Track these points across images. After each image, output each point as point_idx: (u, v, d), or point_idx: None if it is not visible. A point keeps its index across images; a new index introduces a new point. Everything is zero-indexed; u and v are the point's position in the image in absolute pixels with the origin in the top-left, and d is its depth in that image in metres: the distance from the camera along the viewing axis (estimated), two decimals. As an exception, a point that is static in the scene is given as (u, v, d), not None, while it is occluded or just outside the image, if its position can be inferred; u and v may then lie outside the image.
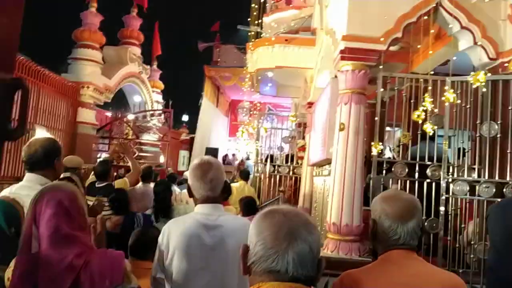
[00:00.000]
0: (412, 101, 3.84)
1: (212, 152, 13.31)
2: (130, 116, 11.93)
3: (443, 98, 3.44)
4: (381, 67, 3.74)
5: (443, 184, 3.63)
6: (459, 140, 3.74)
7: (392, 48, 3.94)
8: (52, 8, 26.34)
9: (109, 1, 11.44)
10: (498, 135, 3.50)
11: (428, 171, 3.69)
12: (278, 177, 7.30)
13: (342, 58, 3.66)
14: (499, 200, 3.41)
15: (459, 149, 3.77)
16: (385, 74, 3.82)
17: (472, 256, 3.50)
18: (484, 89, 3.51)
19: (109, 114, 13.28)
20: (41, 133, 7.12)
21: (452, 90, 3.47)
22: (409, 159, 3.79)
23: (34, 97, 7.76)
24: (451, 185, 3.61)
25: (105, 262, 1.52)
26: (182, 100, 19.84)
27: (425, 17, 3.62)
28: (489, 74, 3.50)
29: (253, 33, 8.11)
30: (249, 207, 4.44)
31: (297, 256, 0.97)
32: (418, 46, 4.14)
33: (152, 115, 12.68)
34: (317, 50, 5.82)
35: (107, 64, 11.20)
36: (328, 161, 4.31)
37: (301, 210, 1.13)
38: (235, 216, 2.44)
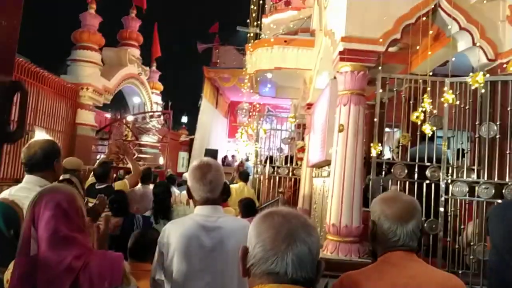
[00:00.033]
0: (411, 102, 3.84)
1: (212, 153, 13.31)
2: (130, 118, 11.92)
3: (442, 99, 3.44)
4: (380, 68, 3.75)
5: (442, 185, 3.63)
6: (458, 141, 3.74)
7: (391, 49, 3.94)
8: (51, 10, 26.36)
9: (108, 2, 11.44)
10: (497, 136, 3.50)
11: (428, 172, 3.69)
12: (277, 178, 7.29)
13: (341, 59, 3.66)
14: (498, 201, 3.42)
15: (458, 150, 3.78)
16: (384, 75, 3.82)
17: (471, 257, 3.50)
18: (483, 90, 3.51)
19: (108, 115, 13.28)
20: (40, 134, 7.13)
21: (451, 91, 3.47)
22: (408, 160, 3.80)
23: (33, 98, 7.77)
24: (450, 186, 3.62)
25: (104, 263, 1.52)
26: (182, 101, 19.86)
27: (424, 18, 3.63)
28: (487, 75, 3.50)
29: (252, 34, 8.11)
30: (248, 208, 4.44)
31: (296, 258, 0.97)
32: (417, 47, 4.14)
33: (151, 116, 12.68)
34: (316, 51, 5.82)
35: (106, 66, 11.21)
36: (327, 162, 4.30)
37: (300, 212, 1.13)
38: (235, 218, 2.44)
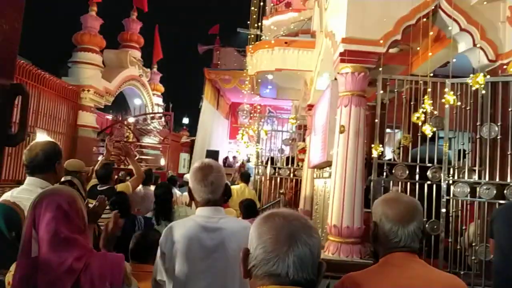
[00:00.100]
0: (412, 103, 3.85)
1: (213, 154, 13.32)
2: (131, 119, 11.95)
3: (443, 100, 3.44)
4: (380, 69, 3.75)
5: (443, 186, 3.63)
6: (459, 142, 3.74)
7: (391, 51, 3.95)
8: (53, 12, 26.42)
9: (109, 4, 11.47)
10: (499, 137, 3.50)
11: (429, 173, 3.70)
12: (278, 179, 7.30)
13: (342, 61, 3.66)
14: (500, 201, 3.42)
15: (459, 150, 3.78)
16: (385, 76, 3.82)
17: (473, 258, 3.50)
18: (484, 91, 3.51)
19: (109, 117, 13.29)
20: (41, 136, 7.13)
21: (452, 92, 3.47)
22: (409, 161, 3.80)
23: (34, 100, 7.78)
24: (451, 187, 3.62)
25: (105, 264, 1.52)
26: (183, 103, 19.89)
27: (424, 19, 3.63)
28: (488, 76, 3.50)
29: (252, 36, 8.12)
30: (249, 209, 4.44)
31: (297, 260, 0.97)
32: (418, 48, 4.14)
33: (152, 118, 12.70)
34: (316, 53, 5.83)
35: (108, 68, 11.23)
36: (328, 163, 4.31)
37: (302, 213, 1.13)
38: (236, 219, 2.44)
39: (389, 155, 5.31)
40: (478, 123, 3.62)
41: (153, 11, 15.07)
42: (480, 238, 3.50)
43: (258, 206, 5.73)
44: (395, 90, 3.82)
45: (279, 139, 8.00)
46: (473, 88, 3.42)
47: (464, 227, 3.67)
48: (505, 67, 3.59)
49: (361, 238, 3.57)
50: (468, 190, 3.56)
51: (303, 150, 6.94)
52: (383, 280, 1.41)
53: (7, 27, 0.99)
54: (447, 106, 3.57)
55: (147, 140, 12.31)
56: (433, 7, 3.64)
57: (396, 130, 4.47)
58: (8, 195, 2.10)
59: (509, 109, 3.47)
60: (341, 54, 3.66)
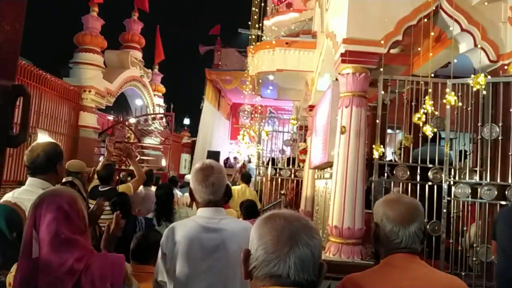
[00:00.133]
0: (413, 103, 3.84)
1: (214, 155, 13.33)
2: (132, 120, 11.95)
3: (444, 101, 3.44)
4: (381, 69, 3.75)
5: (444, 186, 3.63)
6: (460, 143, 3.74)
7: (392, 51, 3.95)
8: (54, 13, 26.48)
9: (110, 5, 11.49)
10: (500, 137, 3.50)
11: (430, 174, 3.69)
12: (279, 180, 7.30)
13: (343, 61, 3.66)
14: (501, 202, 3.41)
15: (460, 151, 3.77)
16: (386, 77, 3.82)
17: (474, 259, 3.49)
18: (485, 92, 3.51)
19: (111, 118, 13.30)
20: (43, 137, 7.15)
21: (453, 93, 3.47)
22: (411, 161, 3.79)
23: (36, 101, 7.79)
24: (453, 188, 3.61)
25: (105, 265, 1.53)
26: (184, 103, 19.92)
27: (425, 20, 3.63)
28: (489, 77, 3.50)
29: (254, 36, 8.13)
30: (249, 210, 4.44)
31: (298, 261, 0.97)
32: (419, 49, 4.14)
33: (153, 118, 12.69)
34: (317, 53, 5.83)
35: (109, 68, 11.24)
36: (329, 164, 4.30)
37: (302, 214, 1.13)
38: (237, 220, 2.44)
39: (389, 155, 5.31)
40: (479, 124, 3.62)
41: (154, 12, 15.09)
42: (481, 239, 3.50)
43: (259, 207, 5.72)
44: (396, 90, 3.82)
45: (280, 140, 8.01)
46: (474, 89, 3.41)
47: (465, 228, 3.66)
48: (506, 67, 3.59)
49: (362, 239, 3.57)
50: (469, 191, 3.56)
51: (304, 151, 6.94)
52: (384, 281, 1.41)
53: (8, 28, 0.99)
54: (448, 106, 3.57)
55: (148, 141, 12.31)
56: (434, 8, 3.64)
57: (397, 131, 4.46)
58: (9, 196, 2.11)
59: (510, 110, 3.46)
60: (342, 54, 3.66)
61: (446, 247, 3.56)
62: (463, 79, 3.59)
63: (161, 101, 16.08)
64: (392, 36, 3.62)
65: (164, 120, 12.77)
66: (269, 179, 7.36)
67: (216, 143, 16.50)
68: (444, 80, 3.74)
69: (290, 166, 7.32)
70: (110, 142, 4.65)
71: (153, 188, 5.04)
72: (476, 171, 3.62)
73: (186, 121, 21.57)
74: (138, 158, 10.28)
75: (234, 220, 2.07)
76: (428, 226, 3.52)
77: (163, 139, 12.39)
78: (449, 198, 3.61)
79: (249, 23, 8.45)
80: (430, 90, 3.60)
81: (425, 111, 3.39)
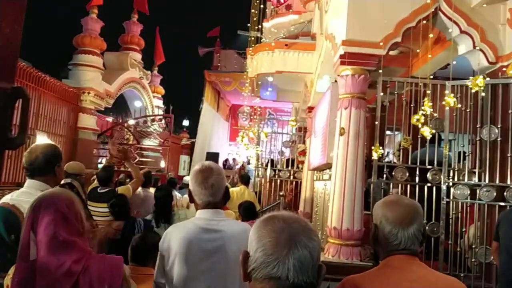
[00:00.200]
0: (412, 105, 3.85)
1: (213, 156, 13.33)
2: (131, 122, 11.94)
3: (443, 102, 3.44)
4: (380, 71, 3.75)
5: (443, 188, 3.63)
6: (459, 144, 3.75)
7: (391, 53, 3.95)
8: (53, 14, 26.48)
9: (110, 7, 11.49)
10: (499, 139, 3.51)
11: (429, 175, 3.70)
12: (278, 181, 7.29)
13: (342, 63, 3.67)
14: (500, 204, 3.42)
15: (459, 152, 3.78)
16: (385, 79, 3.83)
17: (473, 260, 3.50)
18: (484, 93, 3.52)
19: (110, 119, 13.30)
20: (42, 139, 7.14)
21: (452, 94, 3.48)
22: (410, 163, 3.80)
23: (35, 103, 7.78)
24: (451, 189, 3.62)
25: (103, 267, 1.52)
26: (183, 105, 19.91)
27: (425, 22, 3.64)
28: (488, 78, 3.51)
29: (253, 38, 8.14)
30: (248, 211, 4.44)
31: (297, 263, 0.97)
32: (418, 51, 4.15)
33: (152, 120, 12.70)
34: (317, 55, 5.84)
35: (108, 70, 11.23)
36: (328, 166, 4.31)
37: (301, 216, 1.13)
38: (236, 221, 2.44)
39: (388, 156, 5.31)
40: (478, 125, 3.62)
41: (154, 13, 15.09)
42: (480, 240, 3.50)
43: (258, 208, 5.72)
44: (395, 92, 3.83)
45: (279, 141, 8.00)
46: (473, 90, 3.42)
47: (464, 229, 3.67)
48: (504, 69, 3.60)
49: (361, 240, 3.57)
50: (468, 192, 3.56)
51: (303, 152, 6.94)
52: (383, 282, 1.41)
53: (8, 30, 0.99)
54: (447, 108, 3.57)
55: (147, 142, 12.31)
56: (433, 10, 3.65)
57: (396, 132, 4.47)
58: (7, 198, 2.10)
59: (509, 111, 3.47)
60: (341, 56, 3.66)
61: (445, 248, 3.56)
62: (462, 80, 3.59)
63: (160, 103, 16.09)
64: (391, 37, 3.63)
65: (163, 121, 12.78)
66: (268, 180, 7.36)
67: (215, 145, 16.51)
68: (443, 82, 3.75)
69: (289, 168, 7.32)
70: (114, 146, 4.65)
71: (152, 190, 5.03)
72: (475, 172, 3.63)
73: (185, 122, 21.58)
74: (137, 160, 10.28)
75: (233, 222, 2.07)
76: (427, 227, 3.52)
77: (162, 140, 12.39)
78: (448, 199, 3.62)
79: (249, 25, 8.46)
80: (428, 92, 3.61)
81: (424, 112, 3.39)
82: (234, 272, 1.75)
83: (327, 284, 2.98)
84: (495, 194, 3.45)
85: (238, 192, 6.32)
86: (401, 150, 3.89)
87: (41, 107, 8.06)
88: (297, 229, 1.01)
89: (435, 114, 3.66)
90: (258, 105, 10.96)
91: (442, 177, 3.65)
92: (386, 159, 4.40)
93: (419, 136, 3.71)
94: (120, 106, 13.57)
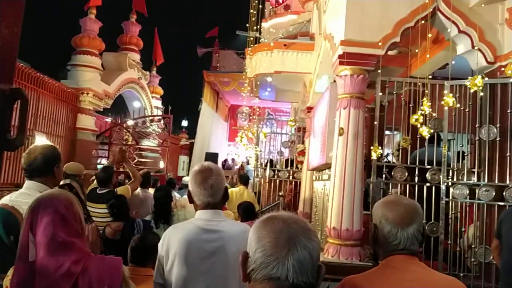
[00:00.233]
0: (411, 105, 3.85)
1: (212, 157, 13.32)
2: (130, 122, 11.94)
3: (442, 102, 3.45)
4: (379, 71, 3.76)
5: (443, 188, 3.64)
6: (458, 144, 3.75)
7: (390, 53, 3.96)
8: (52, 15, 26.45)
9: (108, 7, 11.48)
10: (497, 139, 3.51)
11: (428, 175, 3.70)
12: (278, 181, 7.29)
13: (341, 63, 3.67)
14: (499, 203, 3.42)
15: (458, 152, 3.78)
16: (384, 79, 3.83)
17: (473, 259, 3.50)
18: (482, 93, 3.52)
19: (108, 120, 13.29)
20: (40, 139, 7.13)
21: (451, 94, 3.48)
22: (409, 163, 3.80)
23: (33, 104, 7.77)
24: (451, 189, 3.62)
25: (103, 268, 1.52)
26: (182, 105, 19.91)
27: (423, 22, 3.64)
28: (486, 78, 3.51)
29: (251, 38, 8.13)
30: (247, 212, 4.44)
31: (297, 263, 0.97)
32: (416, 51, 4.15)
33: (151, 120, 12.69)
34: (315, 55, 5.84)
35: (107, 70, 11.22)
36: (327, 166, 4.31)
37: (301, 216, 1.13)
38: (235, 222, 2.44)
39: (388, 157, 5.31)
40: (477, 125, 3.63)
41: (152, 13, 15.09)
42: (479, 240, 3.51)
43: (257, 209, 5.72)
44: (394, 92, 3.83)
45: (278, 142, 8.00)
46: (472, 90, 3.43)
47: (463, 229, 3.67)
48: (503, 69, 3.60)
49: (361, 240, 3.57)
50: (467, 192, 3.56)
51: (302, 152, 6.94)
52: (383, 282, 1.41)
53: (7, 32, 0.99)
54: (446, 108, 3.58)
55: (146, 143, 12.30)
56: (431, 9, 3.65)
57: (395, 132, 4.47)
58: (6, 199, 2.10)
59: (508, 111, 3.48)
60: (340, 56, 3.66)
61: (445, 248, 3.56)
62: (461, 80, 3.60)
63: (159, 103, 16.08)
64: (390, 37, 3.63)
65: (162, 122, 12.77)
66: (267, 180, 7.35)
67: (214, 145, 16.50)
68: (442, 82, 3.75)
69: (288, 168, 7.32)
70: (120, 154, 4.67)
71: (151, 190, 5.03)
72: (474, 172, 3.63)
73: (184, 123, 21.59)
74: (136, 160, 10.28)
75: (232, 222, 2.07)
76: (426, 227, 3.52)
77: (161, 141, 12.38)
78: (447, 199, 3.62)
79: (247, 25, 8.44)
80: (426, 91, 3.61)
81: (423, 112, 3.40)
82: (234, 273, 1.75)
83: (326, 284, 2.98)
84: (494, 193, 3.45)
85: (237, 193, 6.33)
86: (400, 150, 3.89)
87: (40, 108, 8.04)
88: (296, 230, 1.01)
89: (434, 114, 3.66)
90: (257, 105, 10.96)
91: (441, 177, 3.65)
92: (385, 159, 4.40)
93: (418, 136, 3.71)
94: (119, 106, 13.56)
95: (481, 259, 3.45)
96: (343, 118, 3.66)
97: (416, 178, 3.73)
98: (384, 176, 3.76)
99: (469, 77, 3.36)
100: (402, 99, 3.87)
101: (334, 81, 4.11)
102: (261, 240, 1.01)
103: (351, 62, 3.64)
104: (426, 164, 3.74)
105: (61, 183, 2.60)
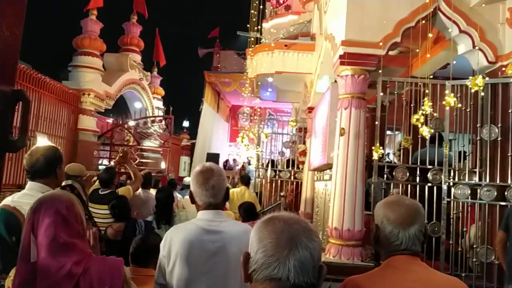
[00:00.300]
0: (412, 105, 3.85)
1: (213, 157, 13.33)
2: (131, 123, 11.94)
3: (443, 102, 3.44)
4: (380, 71, 3.75)
5: (444, 188, 3.63)
6: (459, 144, 3.75)
7: (391, 53, 3.95)
8: (53, 16, 26.49)
9: (109, 8, 11.49)
10: (499, 138, 3.51)
11: (429, 175, 3.70)
12: (279, 182, 7.29)
13: (342, 63, 3.67)
14: (501, 203, 3.42)
15: (459, 152, 3.78)
16: (385, 79, 3.83)
17: (474, 259, 3.49)
18: (483, 93, 3.52)
19: (110, 120, 13.30)
20: (42, 141, 7.14)
21: (452, 94, 3.48)
22: (410, 163, 3.79)
23: (35, 105, 7.78)
24: (452, 189, 3.62)
25: (104, 269, 1.52)
26: (183, 106, 19.93)
27: (424, 22, 3.64)
28: (487, 78, 3.51)
29: (252, 39, 8.14)
30: (248, 212, 4.44)
31: (298, 263, 0.97)
32: (417, 50, 4.15)
33: (153, 121, 12.69)
34: (316, 55, 5.84)
35: (108, 71, 11.23)
36: (329, 166, 4.31)
37: (302, 216, 1.13)
38: (237, 222, 2.44)
39: (389, 156, 5.31)
40: (478, 125, 3.62)
41: (153, 14, 15.11)
42: (481, 240, 3.50)
43: (258, 209, 5.72)
44: (395, 92, 3.83)
45: (279, 142, 8.00)
46: (473, 90, 3.42)
47: (465, 229, 3.66)
48: (504, 68, 3.60)
49: (362, 240, 3.57)
50: (469, 192, 3.56)
51: (303, 153, 6.94)
52: (385, 283, 1.41)
53: (8, 33, 0.99)
54: (447, 108, 3.57)
55: (148, 144, 12.31)
56: (432, 9, 3.65)
57: (397, 132, 4.47)
58: (8, 200, 2.11)
59: (509, 111, 3.47)
60: (340, 56, 3.66)
61: (446, 248, 3.56)
62: (462, 80, 3.59)
63: (160, 104, 16.09)
64: (391, 38, 3.63)
65: (163, 122, 12.77)
66: (268, 181, 7.36)
67: (215, 146, 16.51)
68: (443, 82, 3.75)
69: (290, 168, 7.32)
70: (123, 156, 4.67)
71: (152, 191, 5.03)
72: (475, 172, 3.62)
73: (186, 123, 21.60)
74: (137, 161, 10.29)
75: (234, 223, 2.07)
76: (428, 228, 3.52)
77: (163, 141, 12.39)
78: (448, 199, 3.61)
79: (248, 25, 8.45)
80: (427, 91, 3.61)
81: (424, 112, 3.39)
82: (235, 273, 1.75)
83: (328, 285, 2.98)
84: (495, 193, 3.45)
85: (239, 193, 6.33)
86: (402, 150, 3.88)
87: (41, 109, 8.06)
88: (297, 230, 1.01)
89: (435, 114, 3.66)
90: (258, 106, 10.96)
91: (442, 177, 3.65)
92: (387, 159, 4.40)
93: (419, 136, 3.71)
94: (120, 107, 13.57)
95: (483, 259, 3.44)
96: (344, 118, 3.65)
97: (418, 178, 3.73)
98: (385, 176, 3.75)
99: (470, 77, 3.36)
100: (403, 99, 3.87)
101: (335, 81, 4.11)
102: (262, 240, 1.01)
103: (352, 62, 3.64)
104: (427, 164, 3.74)
105: (63, 184, 2.60)
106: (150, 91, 14.72)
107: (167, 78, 17.19)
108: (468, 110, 3.66)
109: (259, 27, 8.31)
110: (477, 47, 3.72)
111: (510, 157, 3.43)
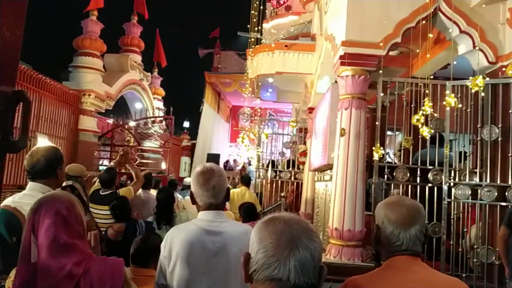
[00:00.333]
0: (412, 105, 3.85)
1: (214, 158, 13.33)
2: (132, 123, 11.95)
3: (444, 102, 3.44)
4: (381, 72, 3.75)
5: (445, 188, 3.63)
6: (460, 144, 3.74)
7: (391, 53, 3.95)
8: (53, 17, 26.52)
9: (110, 9, 11.50)
10: (499, 139, 3.51)
11: (430, 176, 3.69)
12: (279, 182, 7.30)
13: (342, 64, 3.67)
14: (502, 204, 3.42)
15: (460, 153, 3.78)
16: (385, 79, 3.83)
17: (475, 260, 3.49)
18: (484, 93, 3.52)
19: (110, 121, 13.31)
20: (43, 141, 7.15)
21: (452, 94, 3.48)
22: (411, 164, 3.79)
23: (35, 105, 7.79)
24: (453, 189, 3.62)
25: (104, 269, 1.52)
26: (183, 106, 19.94)
27: (424, 22, 3.64)
28: (487, 78, 3.50)
29: (253, 39, 8.14)
30: (248, 213, 4.44)
31: (298, 264, 0.97)
32: (418, 51, 4.15)
33: (153, 122, 12.70)
34: (316, 56, 5.84)
35: (108, 72, 11.24)
36: (329, 166, 4.30)
37: (303, 217, 1.13)
38: (237, 223, 2.44)
39: (389, 157, 5.31)
40: (478, 125, 3.62)
41: (153, 14, 15.11)
42: (481, 240, 3.50)
43: (259, 210, 5.72)
44: (396, 92, 3.83)
45: (280, 142, 8.01)
46: (473, 90, 3.42)
47: (465, 230, 3.66)
48: (504, 69, 3.60)
49: (363, 241, 3.56)
50: (469, 192, 3.56)
51: (304, 153, 6.94)
52: (386, 283, 1.41)
53: (8, 34, 0.99)
54: (448, 108, 3.57)
55: (148, 144, 12.31)
56: (432, 10, 3.65)
57: (397, 133, 4.47)
58: (9, 201, 2.11)
59: (510, 111, 3.47)
60: (341, 57, 3.66)
61: (447, 248, 3.56)
62: (463, 80, 3.59)
63: (160, 104, 16.10)
64: (391, 38, 3.63)
65: (163, 123, 12.78)
66: (269, 181, 7.36)
67: (216, 146, 16.51)
68: (444, 82, 3.75)
69: (290, 169, 7.32)
70: (124, 156, 4.67)
71: (153, 191, 5.03)
72: (476, 172, 3.62)
73: (186, 124, 21.61)
74: (138, 162, 10.29)
75: (234, 223, 2.07)
76: (428, 228, 3.52)
77: (163, 142, 12.38)
78: (449, 200, 3.61)
79: (248, 26, 8.46)
80: (427, 91, 3.61)
81: (424, 112, 3.39)
82: (236, 274, 1.76)
83: (328, 285, 2.98)
84: (496, 194, 3.44)
85: (239, 193, 6.33)
86: (402, 151, 3.88)
87: (42, 109, 8.06)
88: (298, 231, 1.01)
89: (435, 114, 3.66)
90: (258, 106, 10.96)
91: (443, 177, 3.65)
92: (387, 160, 4.40)
93: (419, 137, 3.71)
94: (121, 108, 13.58)
95: (484, 259, 3.44)
96: (345, 119, 3.65)
97: (418, 179, 3.73)
98: (386, 176, 3.75)
99: (471, 78, 3.36)
100: (404, 99, 3.86)
101: (336, 81, 4.11)
102: (262, 241, 1.01)
103: (352, 63, 3.64)
104: (428, 164, 3.74)
105: (64, 184, 2.61)
106: (150, 91, 14.73)
107: (167, 79, 17.22)
108: (468, 111, 3.66)
109: (259, 27, 8.32)
110: (477, 48, 3.72)
111: (510, 158, 3.43)
